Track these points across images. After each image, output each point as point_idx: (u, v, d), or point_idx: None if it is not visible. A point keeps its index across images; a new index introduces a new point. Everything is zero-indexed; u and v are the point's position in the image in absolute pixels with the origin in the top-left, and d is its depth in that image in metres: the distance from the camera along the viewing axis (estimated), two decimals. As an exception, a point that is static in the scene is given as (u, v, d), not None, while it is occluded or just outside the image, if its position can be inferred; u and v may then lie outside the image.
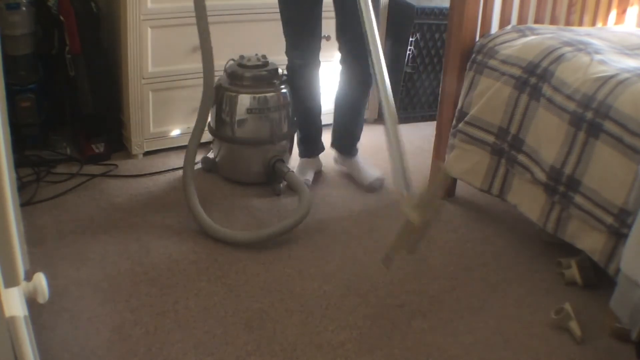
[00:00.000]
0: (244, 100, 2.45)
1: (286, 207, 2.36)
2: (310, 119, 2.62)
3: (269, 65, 2.52)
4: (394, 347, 1.69)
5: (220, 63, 2.57)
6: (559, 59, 2.02)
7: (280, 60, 2.77)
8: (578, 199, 1.89)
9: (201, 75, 2.71)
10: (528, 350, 1.71)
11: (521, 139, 2.10)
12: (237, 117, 2.46)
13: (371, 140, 3.11)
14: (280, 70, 2.55)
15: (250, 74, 2.47)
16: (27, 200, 2.25)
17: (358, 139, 2.68)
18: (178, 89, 2.70)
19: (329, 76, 3.11)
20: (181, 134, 2.78)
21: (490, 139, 2.21)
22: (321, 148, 2.70)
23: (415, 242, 1.83)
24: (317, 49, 2.50)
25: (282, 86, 2.51)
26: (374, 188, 2.55)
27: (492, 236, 2.28)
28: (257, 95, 2.45)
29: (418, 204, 1.71)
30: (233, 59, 2.54)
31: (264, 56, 2.55)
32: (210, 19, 2.66)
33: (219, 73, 2.57)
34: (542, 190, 2.01)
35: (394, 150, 1.79)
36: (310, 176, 2.59)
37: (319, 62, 2.54)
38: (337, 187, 2.58)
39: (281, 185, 2.46)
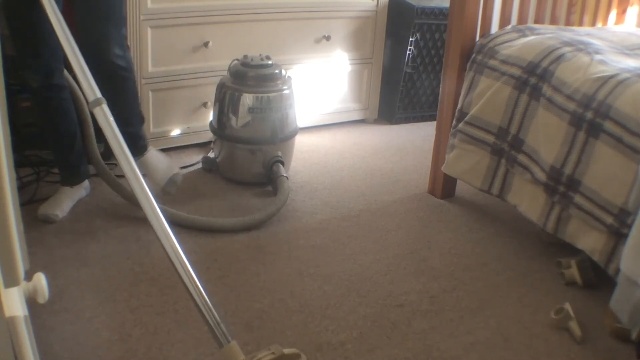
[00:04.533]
0: (247, 100, 2.45)
1: (286, 208, 2.36)
2: (67, 142, 2.22)
3: (273, 66, 2.52)
4: (394, 347, 1.69)
5: (225, 63, 2.58)
6: (559, 59, 2.02)
7: (283, 60, 2.78)
8: (578, 199, 1.89)
9: (202, 75, 2.73)
10: (528, 350, 1.71)
11: (521, 138, 2.10)
12: (239, 117, 2.46)
13: (371, 140, 3.11)
14: (283, 71, 2.55)
15: (254, 74, 2.47)
16: (27, 200, 2.25)
17: (141, 134, 2.28)
18: (178, 89, 2.70)
19: (326, 77, 3.13)
20: (181, 134, 2.78)
21: (490, 139, 2.21)
22: (84, 174, 2.31)
23: None
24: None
25: (285, 87, 2.51)
26: (174, 183, 2.30)
27: (492, 236, 2.28)
28: (260, 95, 2.45)
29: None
30: (237, 59, 2.54)
31: (267, 56, 2.55)
32: (214, 19, 2.69)
33: (223, 72, 2.58)
34: (542, 190, 2.01)
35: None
36: (62, 210, 2.20)
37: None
38: (336, 188, 2.58)
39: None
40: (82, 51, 1.51)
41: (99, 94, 1.44)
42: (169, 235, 1.37)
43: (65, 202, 2.23)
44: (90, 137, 2.26)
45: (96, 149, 2.26)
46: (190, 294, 1.36)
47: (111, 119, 1.43)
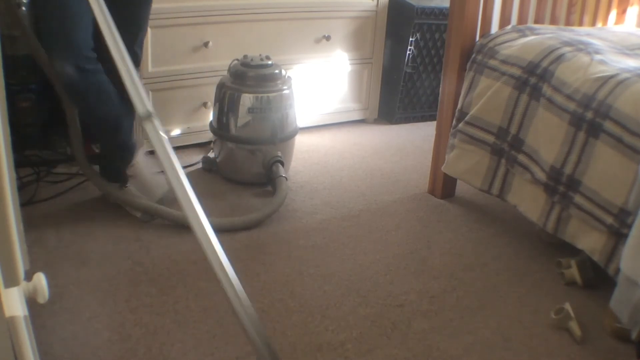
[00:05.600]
0: (246, 100, 2.45)
1: (286, 208, 2.36)
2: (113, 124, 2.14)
3: (272, 66, 2.52)
4: (394, 347, 1.69)
5: (225, 63, 2.58)
6: (559, 59, 2.02)
7: (283, 60, 2.77)
8: (578, 199, 1.89)
9: (202, 75, 2.73)
10: (528, 350, 1.71)
11: (521, 139, 2.10)
12: (239, 117, 2.47)
13: (371, 140, 3.11)
14: (283, 71, 2.55)
15: (253, 74, 2.47)
16: (27, 200, 2.25)
17: (132, 150, 2.26)
18: (178, 89, 2.70)
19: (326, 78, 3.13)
20: (181, 134, 2.78)
21: (490, 139, 2.21)
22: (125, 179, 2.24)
23: None
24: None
25: (285, 87, 2.51)
26: (165, 202, 2.22)
27: (492, 236, 2.28)
28: (260, 95, 2.46)
29: None
30: (237, 59, 2.54)
31: (267, 56, 2.55)
32: (214, 19, 2.69)
33: (222, 72, 2.58)
34: (542, 190, 2.02)
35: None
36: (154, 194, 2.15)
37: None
38: (336, 188, 2.58)
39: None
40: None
41: (150, 107, 1.32)
42: (215, 249, 1.22)
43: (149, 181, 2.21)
44: (77, 136, 2.20)
45: (82, 149, 2.20)
46: (234, 308, 1.20)
47: (162, 133, 1.30)
